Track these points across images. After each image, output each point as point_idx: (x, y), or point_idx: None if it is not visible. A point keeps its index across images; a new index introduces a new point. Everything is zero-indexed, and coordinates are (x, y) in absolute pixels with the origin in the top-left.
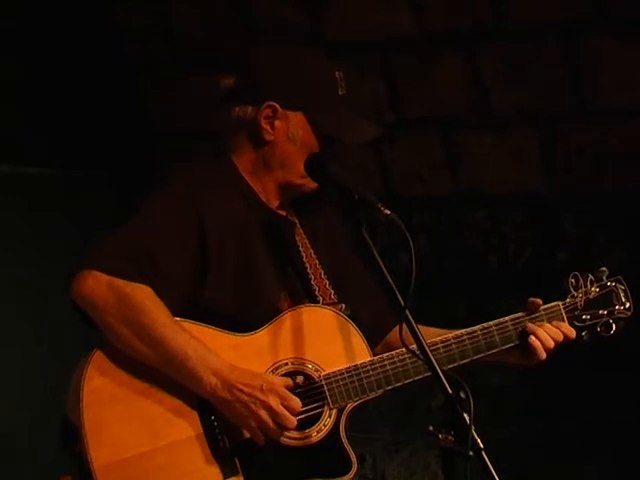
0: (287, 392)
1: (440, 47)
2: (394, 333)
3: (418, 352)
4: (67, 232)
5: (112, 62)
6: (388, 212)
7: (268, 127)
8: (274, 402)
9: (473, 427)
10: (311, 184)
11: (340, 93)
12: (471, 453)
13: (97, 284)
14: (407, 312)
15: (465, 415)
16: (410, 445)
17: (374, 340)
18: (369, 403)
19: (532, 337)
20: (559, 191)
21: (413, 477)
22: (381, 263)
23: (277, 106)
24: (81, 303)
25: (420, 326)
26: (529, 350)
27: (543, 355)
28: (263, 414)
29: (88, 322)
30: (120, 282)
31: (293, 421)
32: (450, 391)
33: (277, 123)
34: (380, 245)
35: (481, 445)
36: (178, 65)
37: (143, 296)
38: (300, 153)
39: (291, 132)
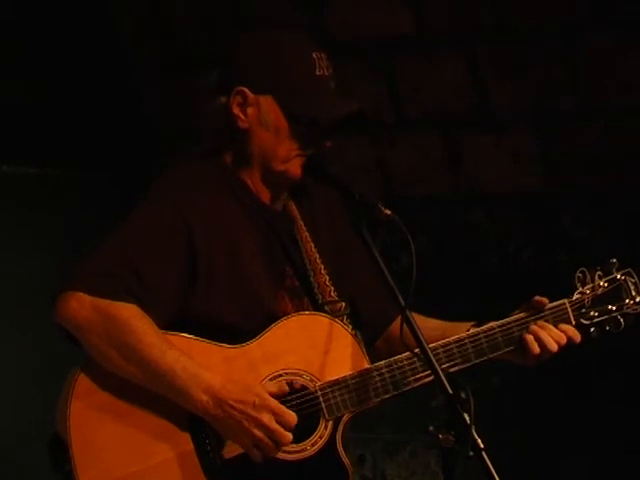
0: (280, 407)
1: (440, 47)
2: (395, 327)
3: (419, 353)
4: (67, 232)
5: (112, 62)
6: (388, 212)
7: (241, 114)
8: (267, 419)
9: (473, 427)
10: (295, 169)
11: (318, 73)
12: (471, 453)
13: (80, 306)
14: (407, 312)
15: (465, 415)
16: (410, 445)
17: (375, 335)
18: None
19: (531, 338)
20: (559, 191)
21: (413, 477)
22: (381, 263)
23: (247, 91)
24: (66, 326)
25: (420, 317)
26: (528, 352)
27: (539, 356)
28: (257, 432)
29: (74, 341)
30: (104, 302)
31: (288, 437)
32: (450, 391)
33: (249, 110)
34: (380, 245)
35: (481, 445)
36: (178, 65)
37: (128, 315)
38: (276, 138)
39: (263, 117)
